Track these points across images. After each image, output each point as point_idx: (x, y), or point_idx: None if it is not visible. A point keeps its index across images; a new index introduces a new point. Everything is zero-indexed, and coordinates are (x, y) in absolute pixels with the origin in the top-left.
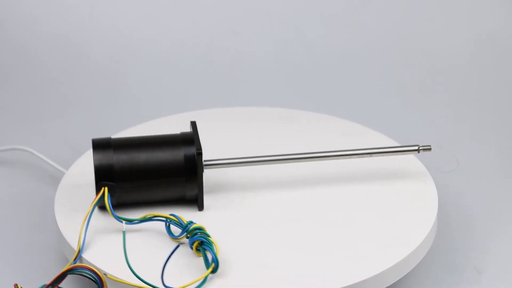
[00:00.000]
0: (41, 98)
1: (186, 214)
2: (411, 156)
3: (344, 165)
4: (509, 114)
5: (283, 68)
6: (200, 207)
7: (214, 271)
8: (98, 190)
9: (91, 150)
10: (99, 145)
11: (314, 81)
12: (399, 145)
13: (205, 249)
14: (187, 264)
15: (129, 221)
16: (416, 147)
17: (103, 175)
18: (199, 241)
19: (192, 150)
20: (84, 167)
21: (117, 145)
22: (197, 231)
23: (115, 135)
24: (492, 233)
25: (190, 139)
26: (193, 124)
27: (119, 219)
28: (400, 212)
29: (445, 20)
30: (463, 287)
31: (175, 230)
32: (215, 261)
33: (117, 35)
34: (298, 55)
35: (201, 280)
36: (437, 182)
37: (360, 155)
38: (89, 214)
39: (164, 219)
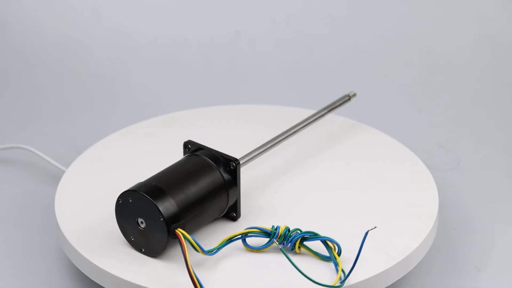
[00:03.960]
0: (43, 98)
1: (224, 226)
2: (411, 155)
3: (344, 164)
4: (510, 114)
5: (285, 67)
6: (238, 215)
7: (339, 254)
8: (172, 236)
9: (90, 149)
10: (155, 194)
11: (315, 80)
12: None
13: (322, 240)
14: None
15: (211, 252)
16: (347, 97)
17: (172, 221)
18: (300, 238)
19: (221, 165)
20: (83, 165)
21: (167, 187)
22: (296, 229)
23: (117, 132)
24: (492, 231)
25: (215, 157)
26: (190, 143)
27: (208, 253)
28: (401, 211)
29: (447, 20)
30: (463, 285)
31: (255, 241)
32: (338, 244)
33: (119, 36)
34: (299, 54)
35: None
36: (438, 181)
37: (311, 119)
38: (189, 264)
39: (240, 236)
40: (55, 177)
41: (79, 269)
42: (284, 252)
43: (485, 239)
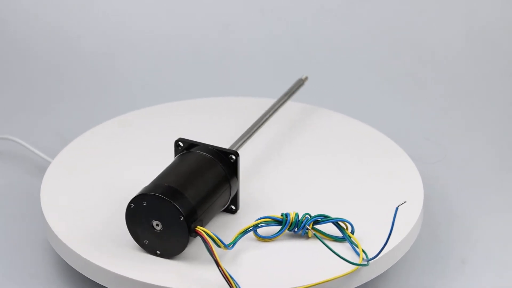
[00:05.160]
0: (30, 88)
1: (224, 219)
2: (397, 148)
3: (330, 158)
4: (499, 107)
5: (274, 60)
6: (238, 207)
7: (352, 233)
8: (193, 234)
9: (77, 140)
10: (171, 195)
11: (305, 73)
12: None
13: (333, 222)
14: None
15: (230, 245)
16: (301, 81)
17: (191, 219)
18: (313, 222)
19: (219, 159)
20: (69, 156)
21: (180, 186)
22: (305, 214)
23: (103, 123)
24: (476, 223)
25: (213, 152)
26: (181, 141)
27: (229, 246)
28: (386, 203)
29: (438, 13)
30: (448, 276)
31: (266, 231)
32: (350, 223)
33: (109, 27)
34: (289, 48)
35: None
36: (424, 173)
37: (275, 108)
38: (219, 260)
39: (252, 227)
40: (41, 168)
41: (65, 261)
42: (319, 237)
43: (470, 231)
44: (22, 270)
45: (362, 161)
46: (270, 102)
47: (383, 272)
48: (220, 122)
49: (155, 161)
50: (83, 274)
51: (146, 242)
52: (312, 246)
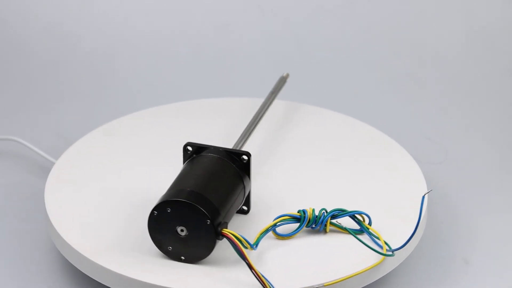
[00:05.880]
0: (33, 88)
1: (237, 220)
2: (399, 148)
3: (331, 158)
4: (499, 107)
5: (273, 59)
6: (249, 208)
7: (370, 224)
8: (218, 235)
9: (81, 140)
10: (196, 199)
11: (303, 73)
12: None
13: (351, 215)
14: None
15: (255, 246)
16: (283, 79)
17: (217, 223)
18: (331, 217)
19: (232, 161)
20: (73, 157)
21: (203, 190)
22: (322, 209)
23: (107, 124)
24: (479, 224)
25: (225, 154)
26: (190, 145)
27: (254, 246)
28: (389, 204)
29: (437, 12)
30: (451, 277)
31: (283, 228)
32: (368, 215)
33: (109, 26)
34: (287, 47)
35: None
36: (426, 174)
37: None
38: (251, 261)
39: (272, 227)
40: (45, 169)
41: (69, 261)
42: (352, 232)
43: (473, 231)
44: (25, 270)
45: (363, 161)
46: (254, 101)
47: (386, 274)
48: (210, 124)
49: (157, 161)
50: (87, 274)
51: (170, 248)
52: (329, 241)
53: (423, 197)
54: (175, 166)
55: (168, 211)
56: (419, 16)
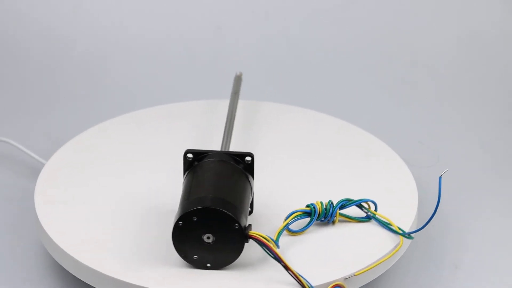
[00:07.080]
0: (23, 90)
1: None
2: (390, 152)
3: (323, 161)
4: (491, 111)
5: (267, 63)
6: (253, 208)
7: (376, 210)
8: (247, 240)
9: (71, 142)
10: (223, 205)
11: (298, 77)
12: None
13: (357, 204)
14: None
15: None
16: (239, 78)
17: (244, 226)
18: (339, 207)
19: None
20: (63, 158)
21: (224, 195)
22: (329, 201)
23: (97, 126)
24: (469, 228)
25: (229, 157)
26: (191, 152)
27: (277, 243)
28: (380, 208)
29: (431, 17)
30: (441, 282)
31: (294, 224)
32: (373, 202)
33: (102, 29)
34: (282, 51)
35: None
36: (417, 177)
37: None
38: (286, 262)
39: (286, 224)
40: (35, 170)
41: (59, 264)
42: (377, 217)
43: (463, 236)
44: (15, 273)
45: (354, 164)
46: (217, 103)
47: (376, 278)
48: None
49: (149, 164)
50: (78, 277)
51: (196, 257)
52: (339, 232)
53: (440, 177)
54: (166, 168)
55: (194, 220)
56: (414, 20)
